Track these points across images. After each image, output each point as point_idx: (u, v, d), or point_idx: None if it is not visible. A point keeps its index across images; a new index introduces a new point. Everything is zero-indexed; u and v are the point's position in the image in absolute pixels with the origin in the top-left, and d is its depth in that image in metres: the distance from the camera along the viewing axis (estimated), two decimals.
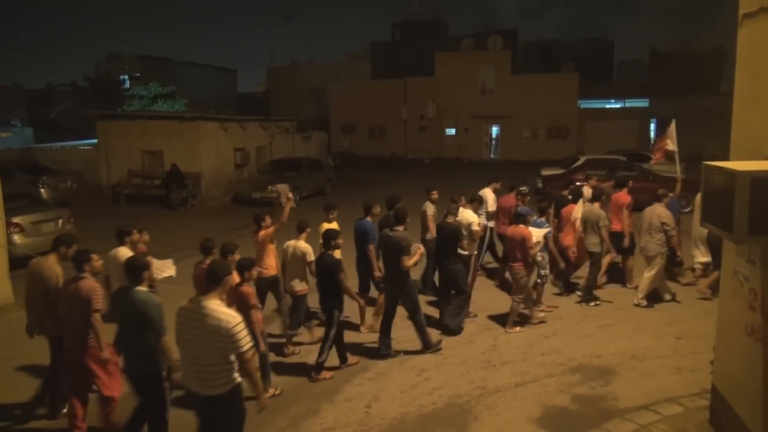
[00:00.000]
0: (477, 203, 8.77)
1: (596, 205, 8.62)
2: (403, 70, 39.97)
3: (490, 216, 9.67)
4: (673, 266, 9.45)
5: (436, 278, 8.69)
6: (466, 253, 8.02)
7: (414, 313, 6.91)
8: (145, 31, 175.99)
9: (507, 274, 8.82)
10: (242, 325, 3.89)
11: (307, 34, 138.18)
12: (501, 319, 7.99)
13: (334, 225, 7.39)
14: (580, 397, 5.83)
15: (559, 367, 6.54)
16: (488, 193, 9.83)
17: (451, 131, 37.78)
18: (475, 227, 8.04)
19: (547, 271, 8.37)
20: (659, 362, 6.58)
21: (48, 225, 11.52)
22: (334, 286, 6.28)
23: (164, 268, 6.54)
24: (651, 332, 7.50)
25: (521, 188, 9.09)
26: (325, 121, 40.14)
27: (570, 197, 9.36)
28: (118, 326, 4.84)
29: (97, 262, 5.26)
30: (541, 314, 8.05)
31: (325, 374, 6.38)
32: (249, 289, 5.50)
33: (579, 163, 18.77)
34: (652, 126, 35.67)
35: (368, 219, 7.84)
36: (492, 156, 37.16)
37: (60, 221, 11.80)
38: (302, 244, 6.77)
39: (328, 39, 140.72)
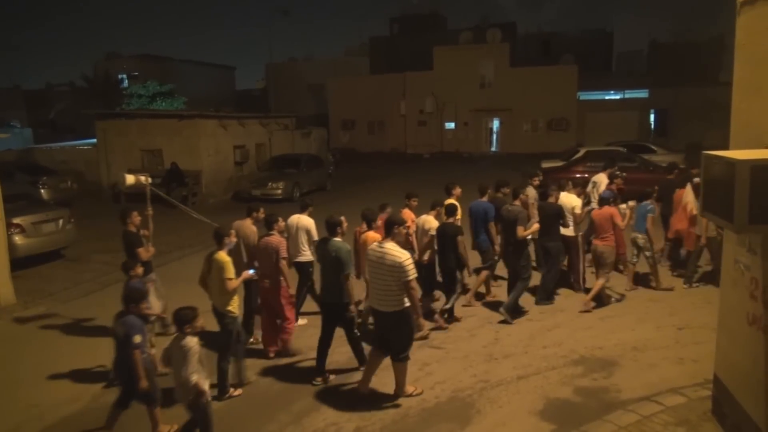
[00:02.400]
0: (580, 188, 9.37)
1: None
2: (402, 64, 39.90)
3: None
4: None
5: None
6: (570, 234, 8.55)
7: (524, 278, 7.81)
8: (143, 30, 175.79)
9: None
10: (410, 261, 5.34)
11: (306, 30, 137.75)
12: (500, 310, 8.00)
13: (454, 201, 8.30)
14: (583, 389, 5.83)
15: (561, 359, 6.54)
16: (602, 178, 10.22)
17: (451, 125, 37.73)
18: (577, 210, 8.57)
19: (652, 253, 8.65)
20: (661, 353, 6.58)
21: (48, 225, 11.51)
22: (456, 251, 7.33)
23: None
24: (652, 323, 7.50)
25: (617, 176, 10.04)
26: (325, 117, 40.09)
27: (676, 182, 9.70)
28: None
29: (281, 223, 7.01)
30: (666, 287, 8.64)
31: (447, 323, 7.57)
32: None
33: (579, 155, 18.76)
34: (652, 117, 35.62)
35: (484, 199, 8.45)
36: (492, 149, 37.13)
37: (60, 221, 11.80)
38: (429, 218, 7.77)
39: (326, 34, 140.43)
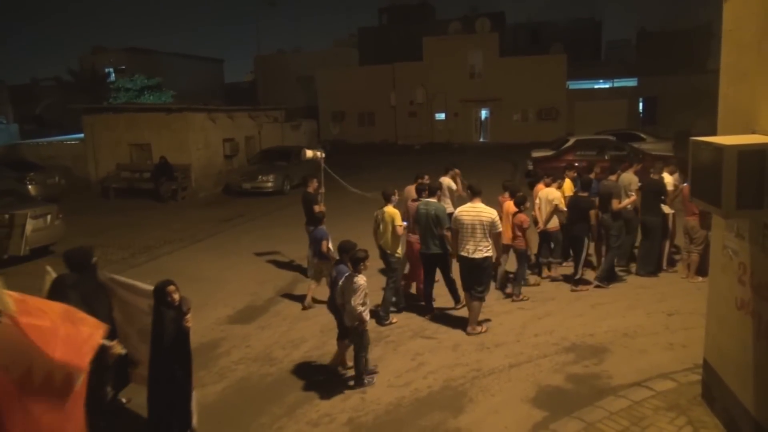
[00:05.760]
0: (673, 167, 9.72)
1: None
2: (391, 55, 39.69)
3: None
4: None
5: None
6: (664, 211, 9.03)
7: (613, 247, 8.58)
8: (129, 23, 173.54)
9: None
10: (497, 216, 6.84)
11: (294, 22, 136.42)
12: (493, 300, 8.03)
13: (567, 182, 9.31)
14: (574, 376, 5.87)
15: (553, 347, 6.58)
16: None
17: (441, 116, 37.65)
18: (669, 187, 9.02)
19: None
20: (651, 339, 6.64)
21: (36, 221, 11.37)
22: (585, 221, 8.09)
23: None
24: (643, 310, 7.57)
25: None
26: (314, 109, 39.88)
27: None
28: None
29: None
30: None
31: (582, 288, 8.35)
32: (524, 216, 7.91)
33: (569, 144, 18.79)
34: (641, 105, 35.73)
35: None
36: (482, 139, 37.13)
37: (48, 217, 11.66)
38: (551, 190, 8.66)
39: (314, 26, 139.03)
